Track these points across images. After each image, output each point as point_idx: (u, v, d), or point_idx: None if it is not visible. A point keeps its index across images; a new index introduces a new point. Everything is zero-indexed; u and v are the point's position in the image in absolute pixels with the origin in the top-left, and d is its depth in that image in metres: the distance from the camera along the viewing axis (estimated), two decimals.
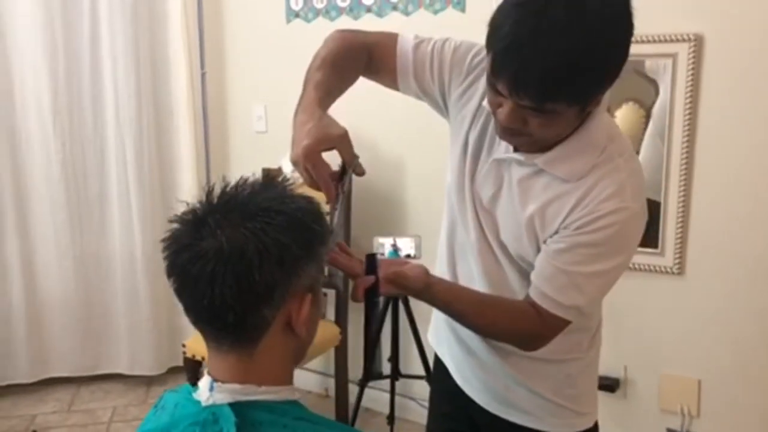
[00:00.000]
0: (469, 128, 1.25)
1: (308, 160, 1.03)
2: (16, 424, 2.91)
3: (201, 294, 0.82)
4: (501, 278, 1.25)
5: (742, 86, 2.09)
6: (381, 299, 2.46)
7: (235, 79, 3.21)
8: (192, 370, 2.66)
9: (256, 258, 0.81)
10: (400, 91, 1.30)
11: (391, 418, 2.57)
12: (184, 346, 2.69)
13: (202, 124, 3.23)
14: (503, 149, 1.20)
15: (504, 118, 1.07)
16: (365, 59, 1.26)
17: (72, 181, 3.07)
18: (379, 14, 2.74)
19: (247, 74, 3.17)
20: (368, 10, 2.76)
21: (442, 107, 1.30)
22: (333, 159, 1.07)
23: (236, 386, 0.87)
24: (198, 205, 0.86)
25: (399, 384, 2.61)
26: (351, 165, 1.07)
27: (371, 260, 1.10)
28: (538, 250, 1.18)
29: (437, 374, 1.53)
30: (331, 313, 2.83)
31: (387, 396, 2.59)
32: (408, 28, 1.32)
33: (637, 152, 2.21)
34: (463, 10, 2.54)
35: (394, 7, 2.70)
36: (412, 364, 2.65)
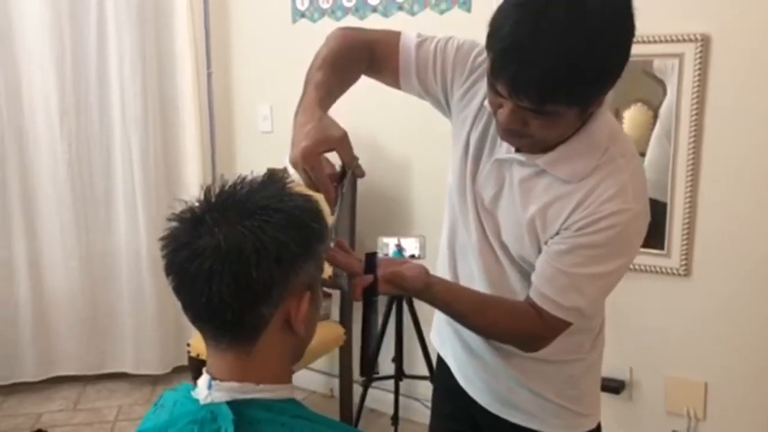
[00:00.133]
0: (471, 128, 1.24)
1: (307, 161, 1.02)
2: (22, 422, 2.93)
3: (199, 292, 0.82)
4: (502, 279, 1.24)
5: (748, 86, 2.08)
6: (384, 299, 2.48)
7: (241, 79, 3.22)
8: (196, 369, 2.64)
9: (254, 256, 0.81)
10: (402, 89, 1.29)
11: (395, 419, 2.56)
12: (188, 345, 2.69)
13: (208, 124, 3.24)
14: (505, 149, 1.19)
15: (504, 119, 1.06)
16: (367, 58, 1.25)
17: (78, 181, 3.09)
18: (385, 14, 2.74)
19: (252, 74, 3.17)
20: (374, 10, 2.76)
21: (445, 106, 1.29)
22: (332, 159, 1.07)
23: (234, 384, 0.87)
24: (196, 204, 0.86)
25: (403, 384, 2.61)
26: (350, 167, 1.07)
27: (370, 259, 1.09)
28: (539, 250, 1.17)
29: (440, 374, 1.52)
30: (335, 313, 2.84)
31: (391, 396, 2.59)
32: (414, 28, 1.31)
33: (644, 153, 2.20)
34: (468, 10, 2.54)
35: (400, 7, 2.70)
36: (416, 364, 2.65)
